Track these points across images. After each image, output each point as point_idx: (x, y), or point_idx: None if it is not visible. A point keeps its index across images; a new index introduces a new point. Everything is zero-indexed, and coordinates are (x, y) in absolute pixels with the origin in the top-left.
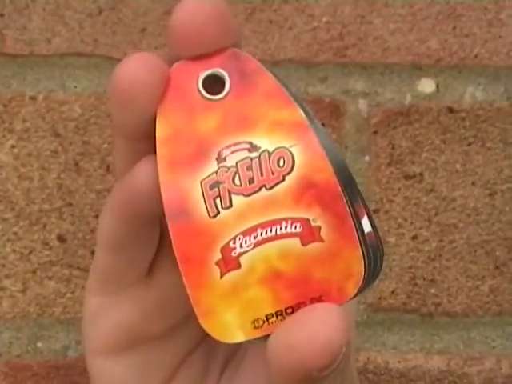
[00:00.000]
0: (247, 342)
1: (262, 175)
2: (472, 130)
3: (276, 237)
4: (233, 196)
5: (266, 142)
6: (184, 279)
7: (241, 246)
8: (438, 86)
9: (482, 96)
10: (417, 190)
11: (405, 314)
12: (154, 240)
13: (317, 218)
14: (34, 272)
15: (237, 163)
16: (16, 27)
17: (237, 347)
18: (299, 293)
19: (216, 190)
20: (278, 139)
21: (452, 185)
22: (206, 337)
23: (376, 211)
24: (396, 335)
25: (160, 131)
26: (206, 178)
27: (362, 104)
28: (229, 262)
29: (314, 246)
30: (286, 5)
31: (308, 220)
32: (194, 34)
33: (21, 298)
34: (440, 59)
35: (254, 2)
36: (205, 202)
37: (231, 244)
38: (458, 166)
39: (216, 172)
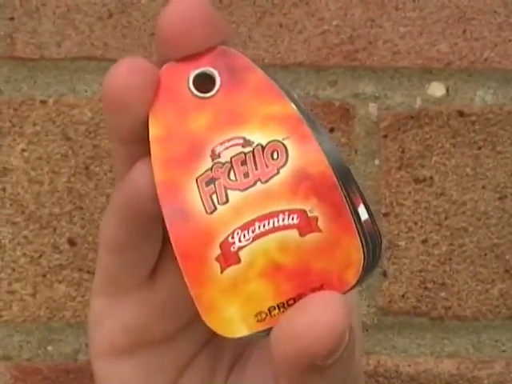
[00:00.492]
0: (251, 336)
1: (256, 169)
2: (482, 133)
3: (274, 229)
4: (229, 191)
5: (258, 137)
6: (185, 276)
7: (239, 241)
8: (447, 90)
9: (492, 100)
10: (427, 193)
11: (415, 317)
12: (157, 241)
13: (313, 208)
14: (44, 276)
15: (231, 159)
16: (26, 31)
17: (243, 348)
18: (300, 284)
19: (212, 186)
20: (271, 133)
21: (462, 188)
22: (211, 339)
23: (386, 215)
24: (406, 339)
25: (153, 132)
26: (202, 175)
27: (372, 108)
28: (228, 257)
29: (312, 237)
30: (296, 8)
31: (305, 211)
32: (181, 35)
33: (31, 301)
34: (450, 63)
35: (264, 5)
36: (201, 198)
37: (230, 239)
38: (468, 170)
39: (211, 169)
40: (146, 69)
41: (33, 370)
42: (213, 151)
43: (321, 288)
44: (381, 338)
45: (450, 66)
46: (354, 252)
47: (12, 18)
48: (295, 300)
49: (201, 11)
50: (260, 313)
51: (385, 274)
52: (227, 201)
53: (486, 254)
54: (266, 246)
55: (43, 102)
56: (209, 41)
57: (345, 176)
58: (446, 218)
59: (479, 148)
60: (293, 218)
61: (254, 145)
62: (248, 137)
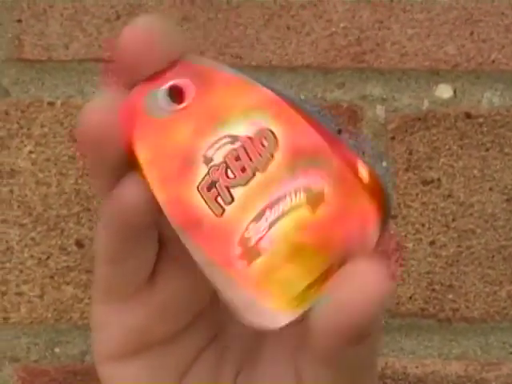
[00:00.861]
0: (295, 321)
1: (251, 161)
2: (489, 135)
3: (286, 212)
4: (232, 190)
5: (243, 129)
6: (215, 284)
7: (256, 233)
8: (455, 92)
9: (500, 101)
10: (434, 195)
11: (423, 319)
12: (152, 246)
13: (316, 180)
14: (51, 277)
15: (224, 158)
16: (34, 33)
17: (251, 345)
18: (327, 257)
19: (214, 190)
20: (254, 121)
21: (470, 190)
22: (215, 337)
23: (394, 217)
24: (414, 341)
25: (142, 156)
26: (201, 182)
27: (380, 110)
28: (251, 252)
29: (323, 209)
30: (304, 10)
31: (309, 186)
32: (142, 56)
33: (38, 303)
34: (457, 65)
35: (272, 7)
36: (208, 204)
37: (246, 234)
38: (475, 172)
39: (208, 173)
40: (117, 103)
41: (40, 372)
42: (205, 156)
43: (347, 255)
44: (388, 340)
45: (458, 67)
46: (367, 208)
47: (20, 21)
48: (326, 274)
49: (153, 32)
50: (297, 296)
51: (392, 276)
52: (233, 199)
53: (493, 256)
54: (284, 231)
55: (51, 104)
56: (170, 56)
57: (337, 134)
58: (453, 220)
59: (487, 150)
60: (300, 197)
61: (242, 138)
62: (234, 133)
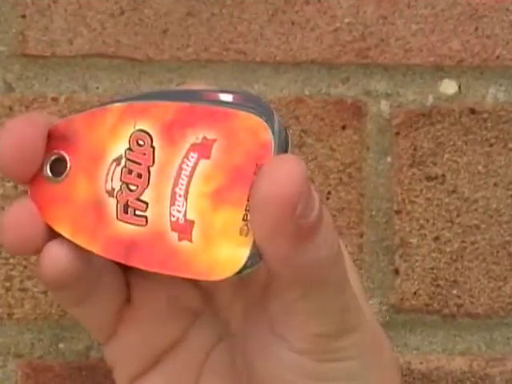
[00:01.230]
0: (253, 255)
1: (140, 164)
2: (494, 131)
3: (189, 176)
4: (142, 197)
5: (120, 147)
6: (175, 275)
7: (179, 211)
8: (460, 87)
9: (504, 97)
10: (439, 191)
11: (427, 315)
12: (110, 274)
13: (197, 133)
14: None
15: (121, 180)
16: (38, 28)
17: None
18: (243, 183)
19: (130, 209)
20: (121, 135)
21: (474, 186)
22: (227, 331)
23: (398, 212)
24: (418, 336)
25: (59, 227)
26: (117, 212)
27: (384, 105)
28: (185, 229)
29: (215, 149)
30: (308, 6)
31: (194, 143)
32: (16, 163)
33: (43, 299)
34: (462, 60)
35: (276, 3)
36: (131, 224)
37: (172, 218)
38: (480, 167)
39: (118, 201)
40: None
41: (44, 368)
42: (107, 191)
43: (258, 166)
44: (393, 336)
45: (462, 63)
46: (249, 120)
47: (24, 16)
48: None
49: (18, 133)
50: (241, 229)
51: (397, 271)
52: (147, 204)
53: (498, 252)
54: (198, 191)
55: (55, 99)
56: (39, 150)
57: (198, 100)
58: (457, 216)
59: (491, 145)
60: (192, 157)
61: (124, 154)
62: (115, 155)
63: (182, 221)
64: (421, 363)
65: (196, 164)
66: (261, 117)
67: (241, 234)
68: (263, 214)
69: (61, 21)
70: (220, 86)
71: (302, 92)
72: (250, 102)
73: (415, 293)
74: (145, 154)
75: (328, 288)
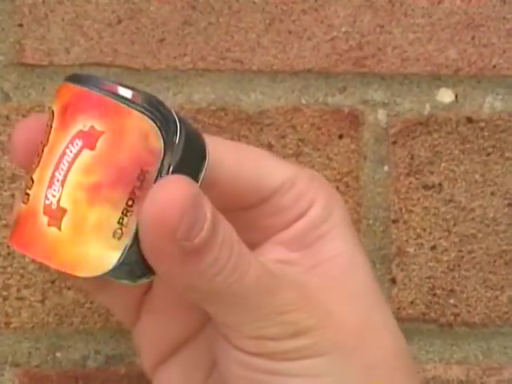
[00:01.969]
0: (124, 258)
1: (41, 143)
2: (491, 140)
3: (70, 165)
4: (33, 176)
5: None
6: (41, 261)
7: (53, 196)
8: (456, 96)
9: (501, 106)
10: (436, 200)
11: (424, 324)
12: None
13: (84, 122)
14: (53, 282)
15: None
16: (35, 37)
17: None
18: (124, 183)
19: (26, 188)
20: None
21: (471, 195)
22: None
23: (395, 221)
24: (415, 345)
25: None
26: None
27: (381, 114)
28: (56, 215)
29: (102, 142)
30: (305, 15)
31: (80, 130)
32: None
33: (40, 308)
34: (459, 69)
35: (273, 12)
36: (23, 201)
37: (47, 201)
38: (477, 177)
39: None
40: None
41: (42, 377)
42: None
43: (143, 172)
44: None
45: (459, 72)
46: (142, 122)
47: (21, 25)
48: (132, 199)
49: None
50: (115, 231)
51: (393, 280)
52: (33, 182)
53: (495, 261)
54: (75, 181)
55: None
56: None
57: (88, 79)
58: (454, 225)
59: (488, 154)
60: (76, 144)
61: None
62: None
63: (54, 206)
64: (418, 372)
65: (79, 152)
66: (155, 122)
67: (114, 236)
68: (145, 235)
69: (58, 30)
70: (217, 95)
71: (298, 101)
72: (149, 105)
73: (412, 302)
74: (45, 133)
75: (240, 301)
